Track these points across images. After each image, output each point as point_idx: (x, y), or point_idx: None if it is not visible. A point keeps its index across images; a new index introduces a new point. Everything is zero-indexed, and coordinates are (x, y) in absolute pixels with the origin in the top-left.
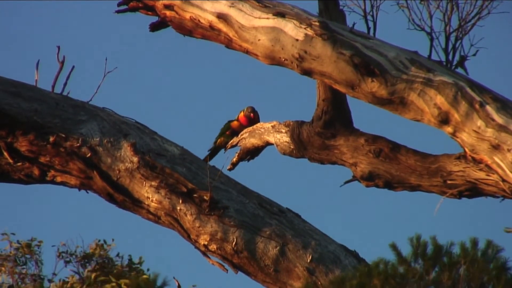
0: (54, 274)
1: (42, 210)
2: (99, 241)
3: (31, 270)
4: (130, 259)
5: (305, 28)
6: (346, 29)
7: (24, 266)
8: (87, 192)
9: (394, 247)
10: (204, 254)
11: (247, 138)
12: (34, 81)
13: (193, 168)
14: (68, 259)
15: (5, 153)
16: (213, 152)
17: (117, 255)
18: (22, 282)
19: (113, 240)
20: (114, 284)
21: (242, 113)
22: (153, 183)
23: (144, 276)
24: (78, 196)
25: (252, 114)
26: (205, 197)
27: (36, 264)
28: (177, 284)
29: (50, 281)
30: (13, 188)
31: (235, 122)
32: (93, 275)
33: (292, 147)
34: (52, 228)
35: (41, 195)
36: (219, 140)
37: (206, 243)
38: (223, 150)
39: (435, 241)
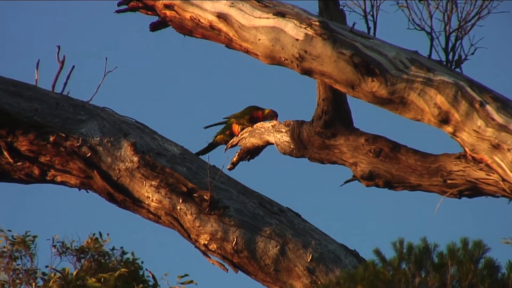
0: (47, 267)
1: (41, 208)
2: (94, 234)
3: (27, 266)
4: (123, 252)
5: (305, 28)
6: (346, 28)
7: (19, 262)
8: (87, 192)
9: (377, 252)
10: (204, 253)
11: (247, 138)
12: (34, 80)
13: (193, 167)
14: (62, 251)
15: (5, 153)
16: (209, 147)
17: (112, 249)
18: (16, 278)
19: (108, 234)
20: (94, 279)
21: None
22: (153, 182)
23: (123, 270)
24: (78, 194)
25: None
26: (205, 197)
27: (31, 259)
28: (151, 275)
29: (44, 274)
30: (12, 186)
31: (238, 126)
32: (74, 272)
33: (292, 146)
34: (51, 225)
35: (41, 193)
36: (218, 137)
37: (206, 242)
38: (223, 150)
39: (424, 243)
